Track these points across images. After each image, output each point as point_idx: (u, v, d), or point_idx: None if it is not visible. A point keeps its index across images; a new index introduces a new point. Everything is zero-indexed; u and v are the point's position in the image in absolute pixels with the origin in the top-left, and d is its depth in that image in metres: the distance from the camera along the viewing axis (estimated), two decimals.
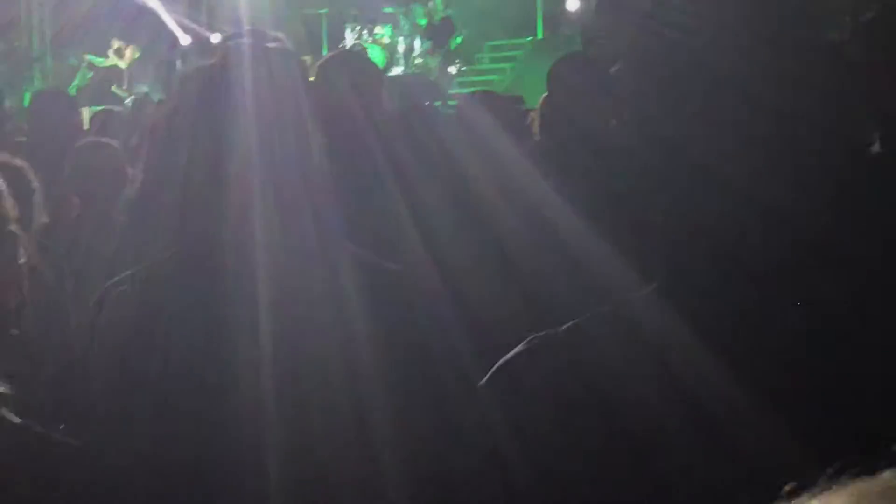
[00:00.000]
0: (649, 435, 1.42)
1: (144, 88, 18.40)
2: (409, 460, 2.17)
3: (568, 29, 17.93)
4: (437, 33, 18.77)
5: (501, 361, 1.59)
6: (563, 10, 19.07)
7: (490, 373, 1.59)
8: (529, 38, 19.55)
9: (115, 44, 19.22)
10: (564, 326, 1.57)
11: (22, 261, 1.94)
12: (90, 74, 19.29)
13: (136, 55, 19.16)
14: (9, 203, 1.89)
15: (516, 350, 1.58)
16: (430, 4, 18.94)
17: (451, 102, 15.03)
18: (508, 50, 20.09)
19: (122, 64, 19.17)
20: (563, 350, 1.54)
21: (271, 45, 2.58)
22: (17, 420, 1.83)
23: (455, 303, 3.48)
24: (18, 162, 3.78)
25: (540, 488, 1.47)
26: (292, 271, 2.43)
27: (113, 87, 19.08)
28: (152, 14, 20.37)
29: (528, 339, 1.58)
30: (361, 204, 3.68)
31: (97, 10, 19.18)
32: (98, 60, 19.24)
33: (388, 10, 19.47)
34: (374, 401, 2.36)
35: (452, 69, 18.89)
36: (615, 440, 1.44)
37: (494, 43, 20.32)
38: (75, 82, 19.19)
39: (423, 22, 19.08)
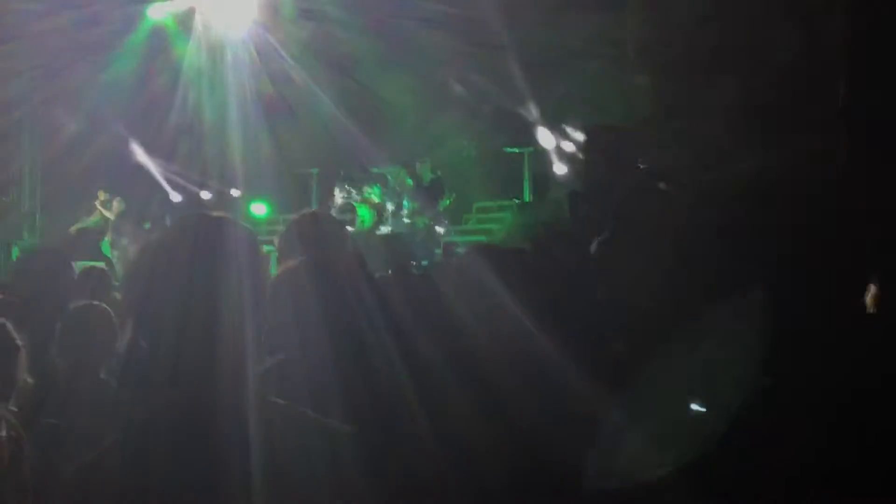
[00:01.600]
0: None
1: (124, 241, 18.55)
2: None
3: (555, 192, 18.15)
4: (427, 194, 18.99)
5: None
6: (550, 173, 19.35)
7: None
8: (516, 200, 19.80)
9: (102, 195, 19.35)
10: None
11: (2, 434, 1.91)
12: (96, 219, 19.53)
13: (122, 208, 19.29)
14: None
15: None
16: (419, 166, 19.21)
17: (436, 261, 15.16)
18: (496, 211, 20.34)
19: (110, 216, 19.28)
20: None
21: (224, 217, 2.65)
22: None
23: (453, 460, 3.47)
24: (5, 327, 3.76)
25: None
26: (285, 435, 2.45)
27: (105, 241, 19.22)
28: (144, 170, 20.68)
29: None
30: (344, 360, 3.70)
31: (91, 167, 19.39)
32: (91, 221, 19.36)
33: (377, 170, 19.73)
34: None
35: (440, 229, 19.06)
36: None
37: (482, 204, 20.58)
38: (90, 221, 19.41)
39: (411, 182, 19.32)
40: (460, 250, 14.22)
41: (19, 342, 3.89)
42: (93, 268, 8.51)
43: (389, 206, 19.40)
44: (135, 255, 2.72)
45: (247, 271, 2.49)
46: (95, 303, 5.30)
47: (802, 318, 1.69)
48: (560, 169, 19.25)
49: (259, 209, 19.75)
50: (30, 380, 3.98)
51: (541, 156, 19.57)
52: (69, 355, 4.98)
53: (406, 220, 19.22)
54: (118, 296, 6.85)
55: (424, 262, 16.12)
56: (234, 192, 19.97)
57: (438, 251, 17.87)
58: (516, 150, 19.79)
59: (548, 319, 3.77)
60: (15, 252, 18.46)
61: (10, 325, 3.88)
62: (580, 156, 17.30)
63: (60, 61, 19.34)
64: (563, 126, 18.76)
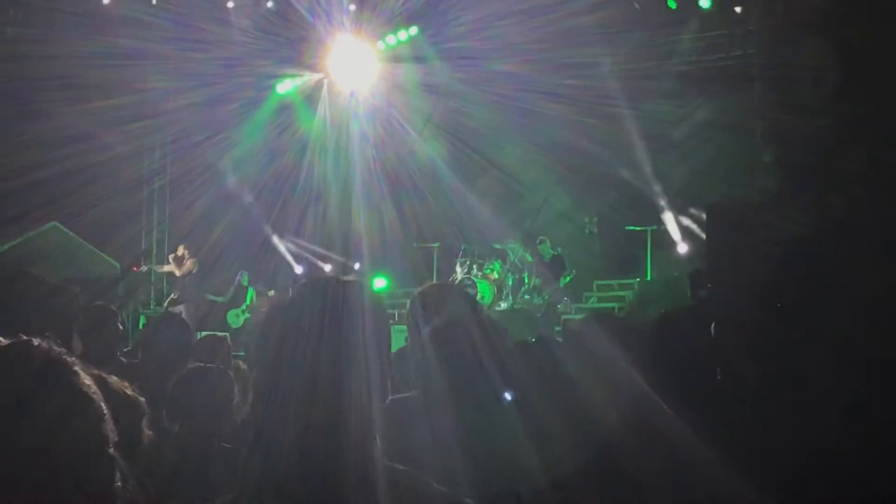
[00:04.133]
0: None
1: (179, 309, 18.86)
2: None
3: (676, 270, 17.96)
4: (547, 270, 18.92)
5: None
6: (673, 252, 19.15)
7: None
8: (638, 279, 19.60)
9: (181, 250, 19.69)
10: None
11: (118, 484, 1.96)
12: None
13: (194, 269, 19.60)
14: (109, 426, 1.92)
15: None
16: (540, 242, 19.17)
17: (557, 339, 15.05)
18: (616, 289, 20.15)
19: (177, 271, 19.58)
20: None
21: (350, 278, 2.65)
22: None
23: None
24: (129, 390, 3.82)
25: None
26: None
27: (230, 312, 19.66)
28: (269, 243, 21.07)
29: None
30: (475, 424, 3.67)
31: (217, 240, 19.82)
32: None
33: (498, 245, 19.74)
34: None
35: (560, 306, 18.94)
36: None
37: (602, 281, 20.42)
38: (246, 303, 19.97)
39: (531, 258, 19.27)
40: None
41: (144, 406, 3.95)
42: (214, 336, 8.66)
43: (509, 282, 19.38)
44: (264, 317, 2.72)
45: (372, 335, 2.48)
46: (209, 366, 5.32)
47: None
48: (682, 247, 19.04)
49: (380, 283, 19.92)
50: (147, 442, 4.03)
51: (663, 233, 19.40)
52: (180, 418, 5.00)
53: (526, 297, 19.16)
54: (242, 364, 6.92)
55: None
56: (356, 266, 20.17)
57: (558, 328, 17.74)
58: (638, 228, 19.64)
59: (671, 395, 3.70)
60: (142, 321, 18.92)
61: (134, 393, 3.94)
62: (703, 233, 17.09)
63: (192, 137, 19.91)
64: (686, 202, 18.59)
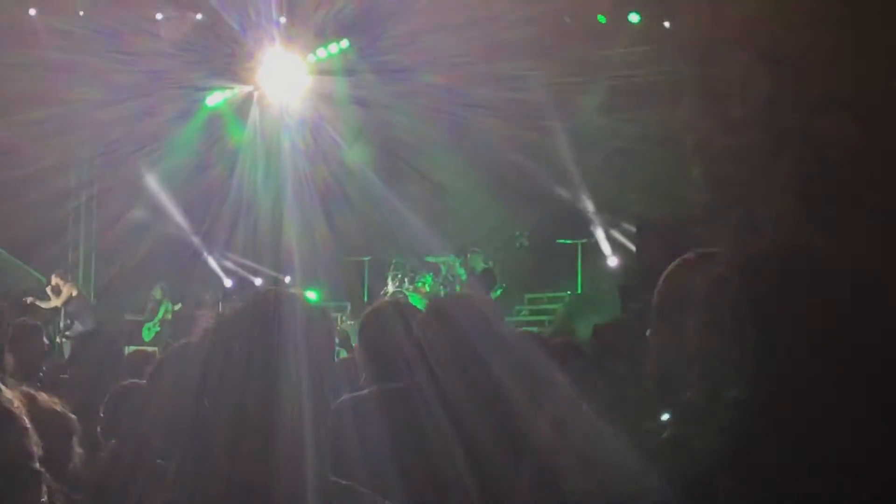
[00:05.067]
0: None
1: (78, 326, 18.47)
2: None
3: (606, 284, 18.09)
4: (478, 284, 18.93)
5: None
6: (603, 266, 19.29)
7: None
8: (569, 292, 19.70)
9: (55, 280, 19.30)
10: None
11: (44, 499, 1.92)
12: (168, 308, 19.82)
13: (74, 293, 19.26)
14: (33, 440, 1.88)
15: None
16: (472, 255, 19.19)
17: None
18: (547, 302, 20.24)
19: (58, 302, 19.22)
20: None
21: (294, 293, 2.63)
22: None
23: None
24: (59, 407, 3.77)
25: None
26: None
27: (145, 327, 19.46)
28: (199, 257, 20.88)
29: None
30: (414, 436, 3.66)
31: (146, 254, 19.60)
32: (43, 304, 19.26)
33: (430, 258, 19.73)
34: None
35: None
36: None
37: (533, 295, 20.49)
38: (158, 317, 19.71)
39: (463, 272, 19.29)
40: None
41: (76, 424, 3.90)
42: (143, 350, 8.55)
43: (442, 295, 19.36)
44: (205, 331, 2.69)
45: (310, 347, 2.45)
46: (140, 382, 5.26)
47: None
48: (613, 260, 19.19)
49: (310, 297, 19.79)
50: (78, 460, 3.98)
51: (594, 247, 19.52)
52: (114, 433, 4.95)
53: None
54: None
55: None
56: (287, 279, 20.06)
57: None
58: (569, 242, 19.74)
59: (605, 413, 3.72)
60: (54, 335, 18.58)
61: (65, 411, 3.90)
62: (633, 247, 17.26)
63: (120, 150, 19.67)
64: (617, 216, 18.74)
